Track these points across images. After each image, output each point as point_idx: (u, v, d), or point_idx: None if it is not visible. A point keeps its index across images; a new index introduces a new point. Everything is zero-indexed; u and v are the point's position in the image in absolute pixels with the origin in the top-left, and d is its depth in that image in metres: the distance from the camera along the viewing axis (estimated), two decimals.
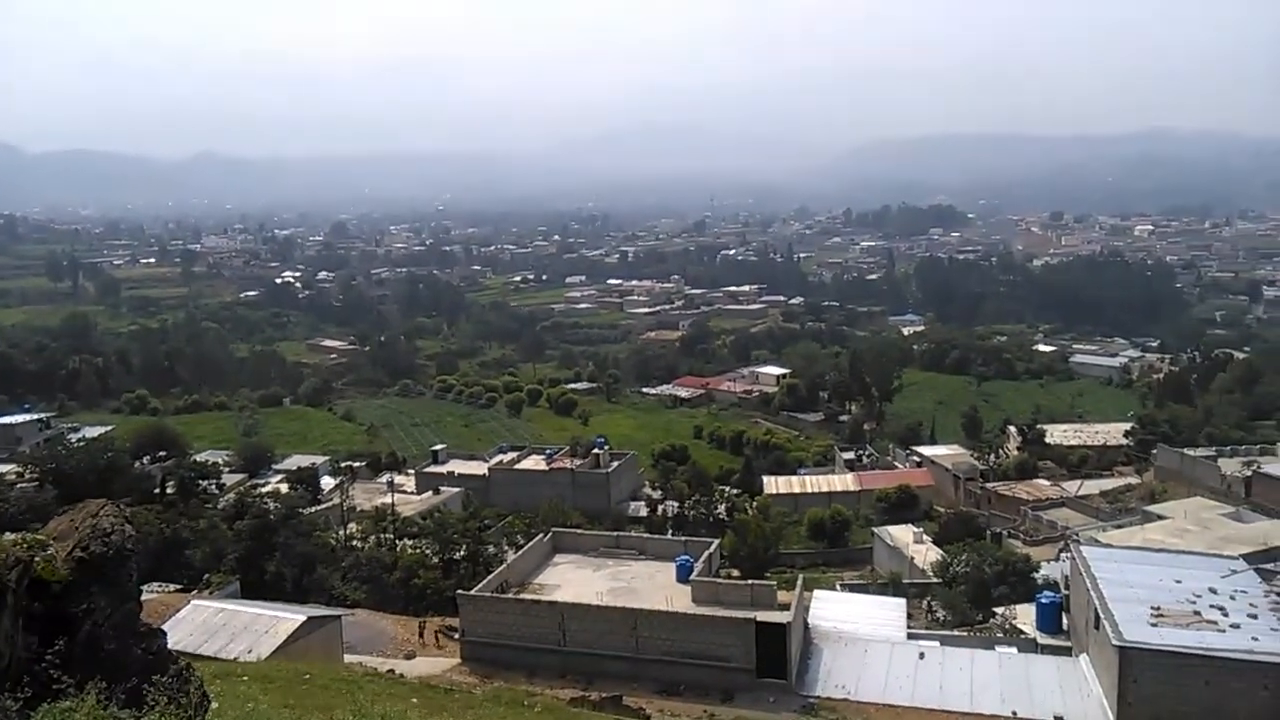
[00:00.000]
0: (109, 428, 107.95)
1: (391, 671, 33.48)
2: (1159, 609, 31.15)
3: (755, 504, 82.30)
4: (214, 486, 79.72)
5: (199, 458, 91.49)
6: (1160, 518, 66.00)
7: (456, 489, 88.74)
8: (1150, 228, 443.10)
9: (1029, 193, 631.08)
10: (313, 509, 72.95)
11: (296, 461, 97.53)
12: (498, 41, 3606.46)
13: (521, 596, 38.61)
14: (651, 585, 39.84)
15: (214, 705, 13.63)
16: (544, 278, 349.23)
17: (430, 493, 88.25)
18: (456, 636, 39.68)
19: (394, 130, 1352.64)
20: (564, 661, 35.51)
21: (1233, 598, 32.32)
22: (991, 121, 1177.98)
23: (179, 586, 49.05)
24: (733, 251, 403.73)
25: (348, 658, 37.24)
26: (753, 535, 67.94)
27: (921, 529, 71.09)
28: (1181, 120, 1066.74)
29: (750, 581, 39.73)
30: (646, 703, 32.37)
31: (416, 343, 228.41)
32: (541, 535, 46.79)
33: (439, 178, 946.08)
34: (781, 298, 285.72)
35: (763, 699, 33.01)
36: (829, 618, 38.89)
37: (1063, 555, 50.82)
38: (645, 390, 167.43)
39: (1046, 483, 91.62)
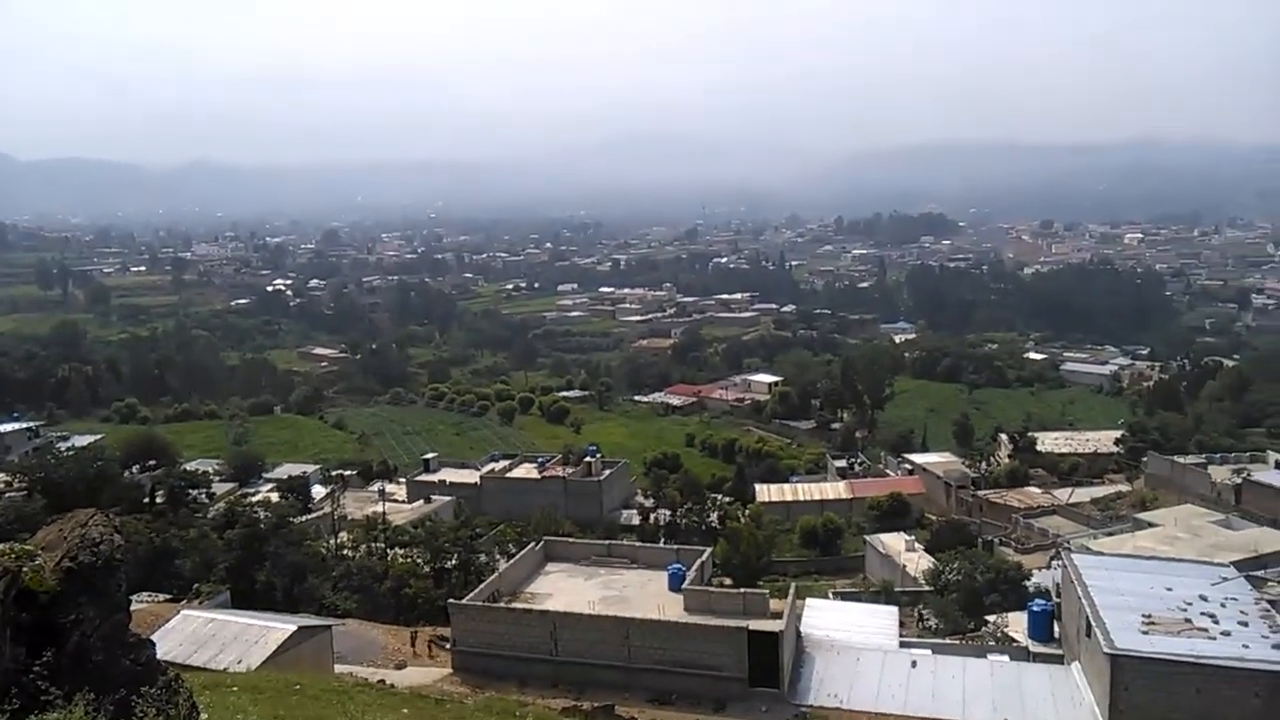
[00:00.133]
0: (98, 436, 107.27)
1: (382, 682, 33.27)
2: (1150, 617, 31.20)
3: (747, 512, 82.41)
4: (204, 495, 79.39)
5: (189, 467, 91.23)
6: (1151, 525, 66.28)
7: (448, 497, 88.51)
8: (1140, 236, 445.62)
9: (1020, 201, 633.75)
10: (303, 518, 72.60)
11: (287, 470, 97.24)
12: (490, 50, 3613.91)
13: (513, 606, 38.48)
14: (644, 594, 39.74)
15: (203, 716, 13.57)
16: (536, 285, 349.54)
17: (422, 501, 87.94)
18: (448, 646, 39.53)
19: (386, 138, 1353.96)
20: (556, 671, 35.38)
21: (1223, 605, 32.38)
22: (983, 130, 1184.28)
23: (168, 596, 48.77)
24: (725, 259, 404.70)
25: (338, 668, 37.05)
26: (745, 543, 67.94)
27: (913, 537, 71.14)
28: (1171, 129, 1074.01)
29: (742, 590, 39.68)
30: (639, 712, 32.27)
31: (408, 351, 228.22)
32: (533, 544, 46.64)
33: (431, 186, 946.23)
34: (773, 306, 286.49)
35: (755, 708, 32.94)
36: (821, 626, 38.85)
37: (1054, 563, 50.94)
38: (637, 398, 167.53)
39: (1038, 490, 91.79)
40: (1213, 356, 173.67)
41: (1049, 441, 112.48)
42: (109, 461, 79.33)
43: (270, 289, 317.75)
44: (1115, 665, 28.84)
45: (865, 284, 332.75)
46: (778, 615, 35.67)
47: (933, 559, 61.14)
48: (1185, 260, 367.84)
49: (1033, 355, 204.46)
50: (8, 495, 66.91)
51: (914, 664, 34.86)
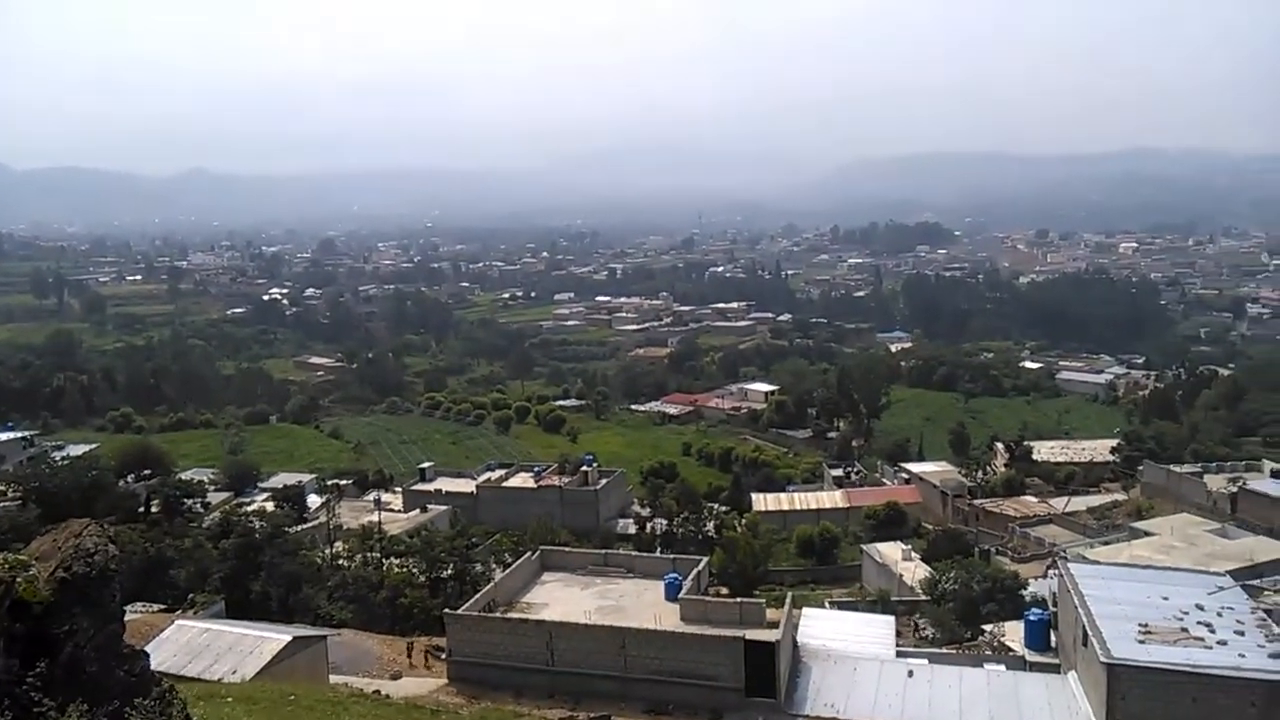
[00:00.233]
0: (93, 446, 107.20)
1: (378, 692, 33.20)
2: (1146, 626, 31.20)
3: (744, 521, 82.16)
4: (199, 505, 79.26)
5: (184, 476, 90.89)
6: (1147, 534, 66.21)
7: (444, 507, 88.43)
8: (1135, 245, 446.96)
9: (1015, 211, 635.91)
10: (299, 528, 72.52)
11: (283, 480, 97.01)
12: (487, 60, 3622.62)
13: (509, 615, 38.38)
14: (640, 604, 39.67)
15: None
16: (532, 295, 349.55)
17: (418, 511, 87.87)
18: (444, 656, 39.41)
19: (383, 148, 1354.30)
20: (552, 681, 35.29)
21: (1219, 614, 32.39)
22: (978, 141, 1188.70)
23: (163, 606, 48.64)
24: (721, 268, 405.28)
25: (333, 678, 36.95)
26: (741, 553, 67.82)
27: (910, 546, 71.12)
28: (1166, 139, 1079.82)
29: (739, 599, 39.58)
30: None
31: (404, 360, 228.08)
32: (529, 553, 46.57)
33: (427, 195, 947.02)
34: (770, 315, 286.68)
35: (752, 718, 32.88)
36: (818, 636, 38.78)
37: (1050, 572, 50.90)
38: (634, 407, 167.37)
39: (1034, 499, 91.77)
40: (1208, 365, 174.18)
41: (1045, 450, 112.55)
42: (104, 471, 79.32)
43: (266, 298, 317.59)
44: (1112, 674, 28.83)
45: (861, 293, 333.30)
46: (774, 625, 35.61)
47: (929, 568, 61.12)
48: (1180, 269, 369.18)
49: (1028, 364, 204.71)
50: (2, 505, 66.74)
51: (910, 673, 34.80)
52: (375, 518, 77.89)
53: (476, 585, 50.61)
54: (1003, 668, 36.88)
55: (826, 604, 54.67)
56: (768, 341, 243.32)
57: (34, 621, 12.25)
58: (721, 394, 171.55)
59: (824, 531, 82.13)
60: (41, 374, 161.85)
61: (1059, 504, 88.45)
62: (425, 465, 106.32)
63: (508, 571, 44.74)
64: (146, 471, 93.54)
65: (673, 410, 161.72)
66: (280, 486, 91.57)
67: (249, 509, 74.80)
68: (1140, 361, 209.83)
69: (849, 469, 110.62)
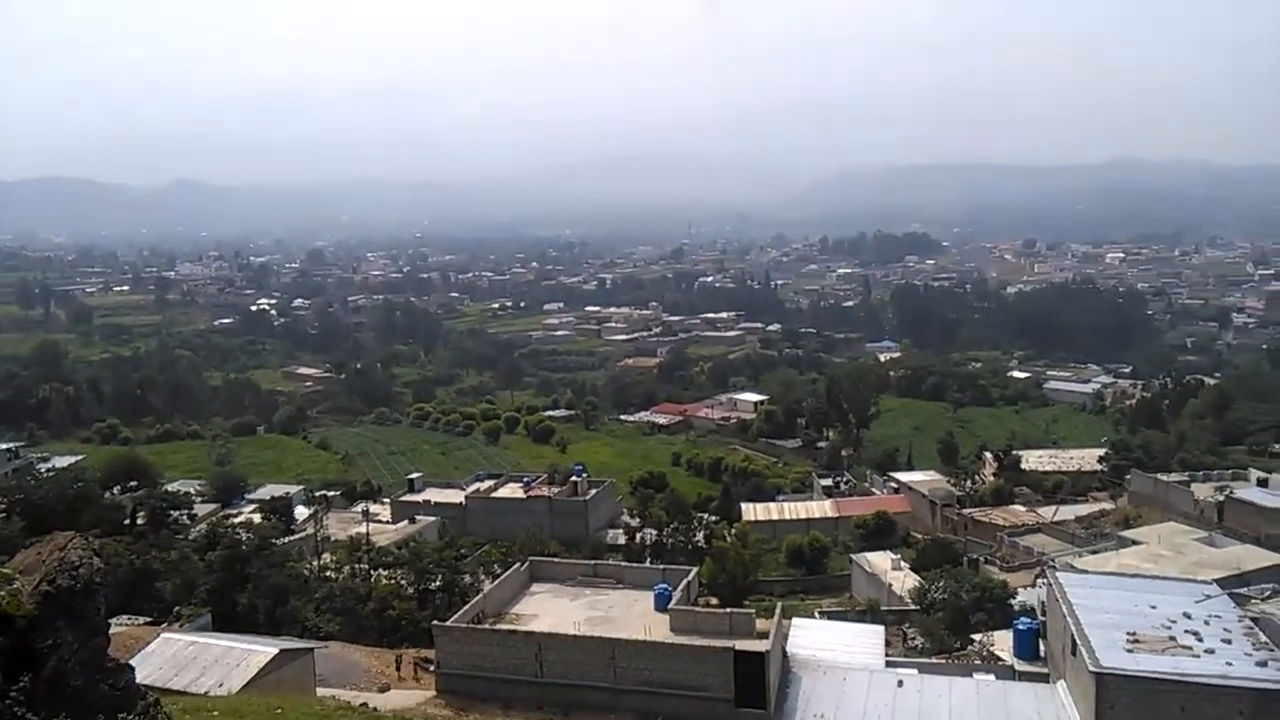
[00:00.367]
0: (79, 457, 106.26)
1: (365, 705, 32.98)
2: (1135, 635, 31.28)
3: (733, 531, 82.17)
4: (186, 517, 78.65)
5: (170, 488, 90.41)
6: (1135, 543, 66.48)
7: (433, 518, 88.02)
8: (1121, 255, 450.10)
9: (1002, 221, 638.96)
10: (286, 539, 72.11)
11: (270, 491, 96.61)
12: (476, 70, 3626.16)
13: (498, 627, 38.23)
14: (629, 614, 39.58)
15: None
16: (522, 305, 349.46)
17: (406, 522, 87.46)
18: (432, 668, 39.22)
19: (371, 158, 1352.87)
20: (541, 692, 35.13)
21: (1207, 623, 32.49)
22: (966, 151, 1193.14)
23: (149, 619, 48.20)
24: (710, 278, 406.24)
25: (321, 691, 36.67)
26: (731, 563, 67.76)
27: (899, 555, 71.15)
28: (1152, 150, 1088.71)
29: (729, 610, 39.53)
30: None
31: (393, 370, 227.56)
32: (518, 564, 46.41)
33: (416, 205, 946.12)
34: (759, 324, 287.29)
35: None
36: (807, 646, 38.73)
37: (1039, 581, 51.06)
38: (623, 417, 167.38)
39: (1022, 508, 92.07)
40: (1194, 375, 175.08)
41: (1033, 460, 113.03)
42: (89, 483, 78.64)
43: (254, 308, 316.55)
44: (1100, 683, 28.87)
45: (850, 303, 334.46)
46: (764, 635, 35.56)
47: (918, 578, 61.15)
48: (1166, 279, 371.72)
49: (1016, 374, 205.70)
50: None
51: (900, 683, 34.78)
52: (363, 529, 77.51)
53: (465, 597, 50.37)
54: (992, 677, 36.90)
55: (816, 614, 54.61)
56: (757, 351, 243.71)
57: (18, 635, 12.16)
58: (711, 404, 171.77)
59: (813, 541, 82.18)
60: (27, 385, 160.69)
61: (1047, 513, 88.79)
62: (414, 476, 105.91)
63: (496, 583, 44.56)
64: (133, 483, 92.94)
65: (662, 420, 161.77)
66: (268, 498, 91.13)
67: (236, 521, 74.32)
68: (1127, 371, 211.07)
69: (838, 479, 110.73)
